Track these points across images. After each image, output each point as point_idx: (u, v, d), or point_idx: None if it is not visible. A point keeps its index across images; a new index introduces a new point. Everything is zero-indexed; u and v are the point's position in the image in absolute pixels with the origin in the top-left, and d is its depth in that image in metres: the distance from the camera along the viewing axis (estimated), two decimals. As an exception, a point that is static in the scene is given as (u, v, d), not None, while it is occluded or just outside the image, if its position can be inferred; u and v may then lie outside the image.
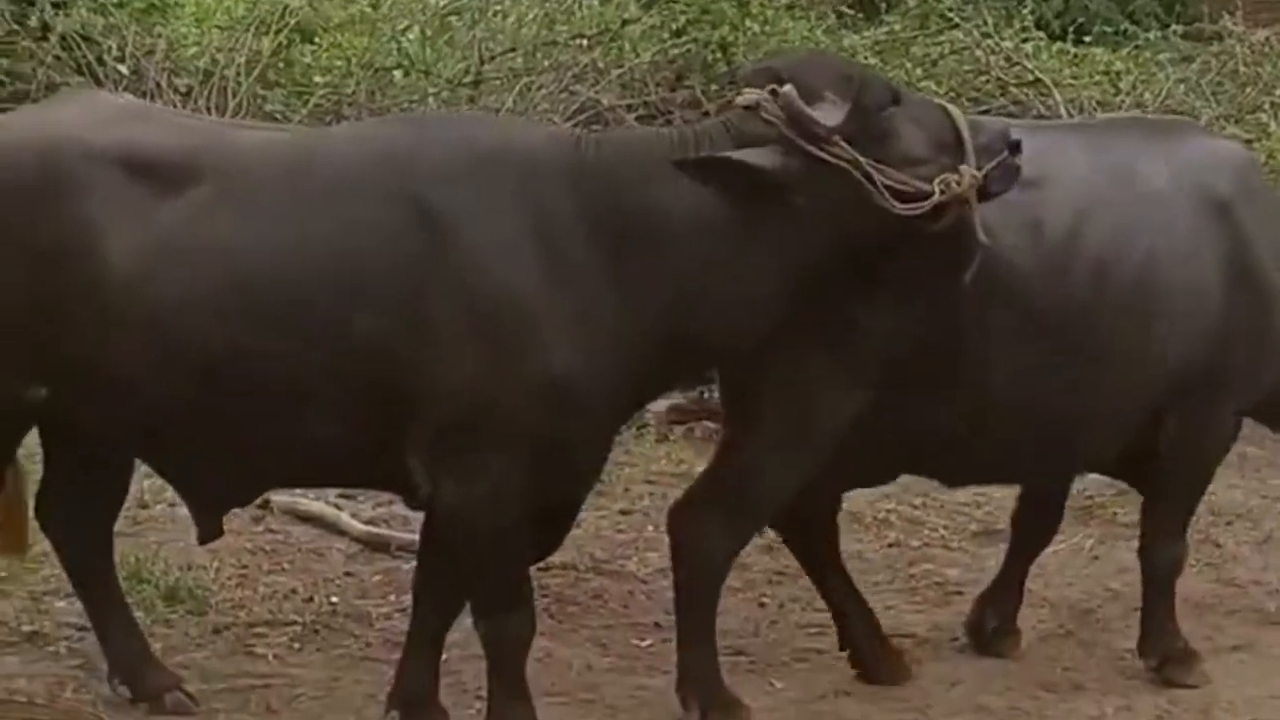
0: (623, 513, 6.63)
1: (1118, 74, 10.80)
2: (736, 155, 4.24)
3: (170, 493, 6.47)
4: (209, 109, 8.62)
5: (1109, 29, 12.70)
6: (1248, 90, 10.77)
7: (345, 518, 6.33)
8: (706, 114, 9.24)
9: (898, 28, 10.82)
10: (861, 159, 4.25)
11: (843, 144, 4.27)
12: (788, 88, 4.24)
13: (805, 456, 4.72)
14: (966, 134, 4.42)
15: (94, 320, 4.31)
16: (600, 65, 9.53)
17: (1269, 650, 5.53)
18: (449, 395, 4.24)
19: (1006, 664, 5.39)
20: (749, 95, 4.32)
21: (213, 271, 4.27)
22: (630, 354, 4.30)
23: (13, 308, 4.37)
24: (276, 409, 4.33)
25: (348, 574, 5.96)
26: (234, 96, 8.70)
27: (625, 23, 9.97)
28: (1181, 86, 10.60)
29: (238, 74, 8.85)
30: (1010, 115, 9.99)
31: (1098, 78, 10.70)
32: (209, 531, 4.70)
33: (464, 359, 4.21)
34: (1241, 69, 10.95)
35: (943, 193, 4.32)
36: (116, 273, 4.27)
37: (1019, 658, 5.43)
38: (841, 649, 5.23)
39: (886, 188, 4.27)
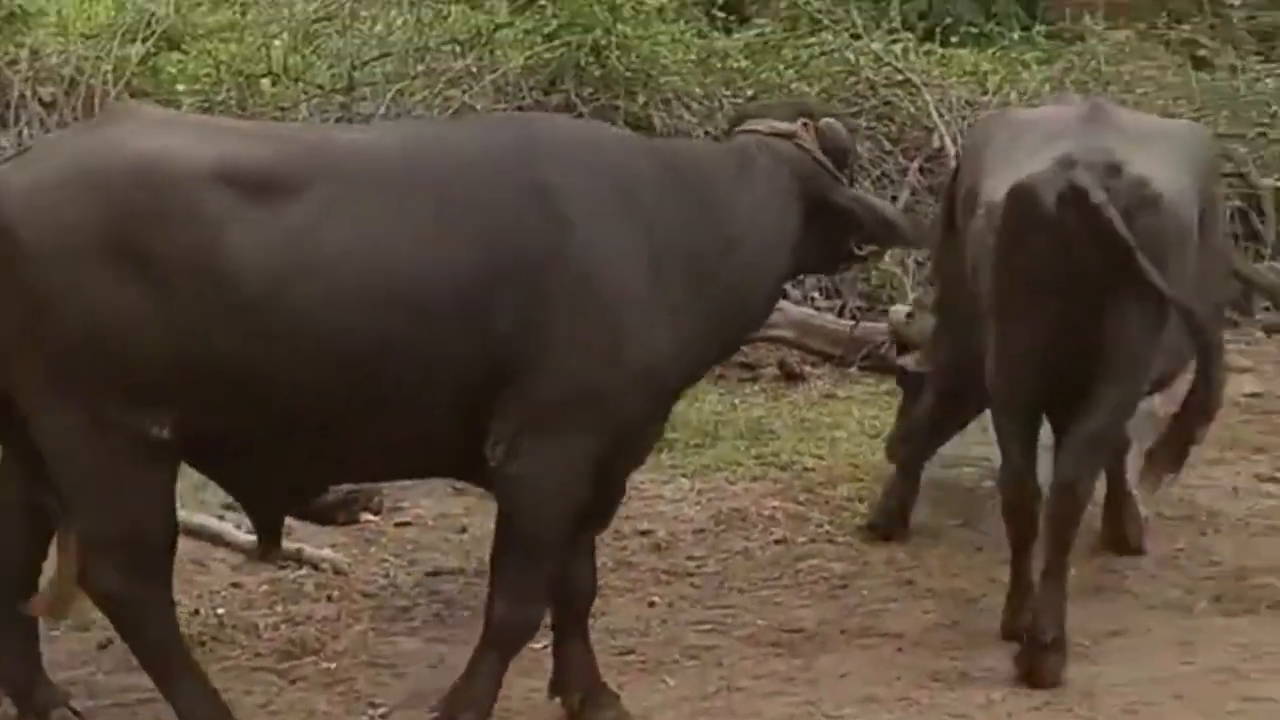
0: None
1: (985, 74, 11.00)
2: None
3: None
4: (75, 118, 8.49)
5: (974, 29, 12.91)
6: (1110, 88, 10.99)
7: (230, 529, 6.24)
8: (580, 117, 9.32)
9: (768, 30, 10.94)
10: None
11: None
12: (831, 121, 4.98)
13: None
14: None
15: (224, 338, 4.24)
16: (474, 70, 9.54)
17: (1146, 634, 5.62)
18: (557, 380, 4.47)
19: (895, 655, 5.46)
20: (783, 125, 4.92)
21: (355, 272, 4.31)
22: (704, 344, 4.76)
23: (132, 337, 4.24)
24: (396, 401, 4.42)
25: (234, 585, 5.88)
26: (101, 106, 8.56)
27: (498, 27, 9.99)
28: (1047, 86, 10.81)
29: (104, 82, 8.72)
30: (880, 116, 10.23)
31: (965, 77, 10.89)
32: (273, 545, 4.76)
33: (578, 346, 4.47)
34: (1104, 68, 11.19)
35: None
36: (251, 288, 4.23)
37: (908, 649, 5.50)
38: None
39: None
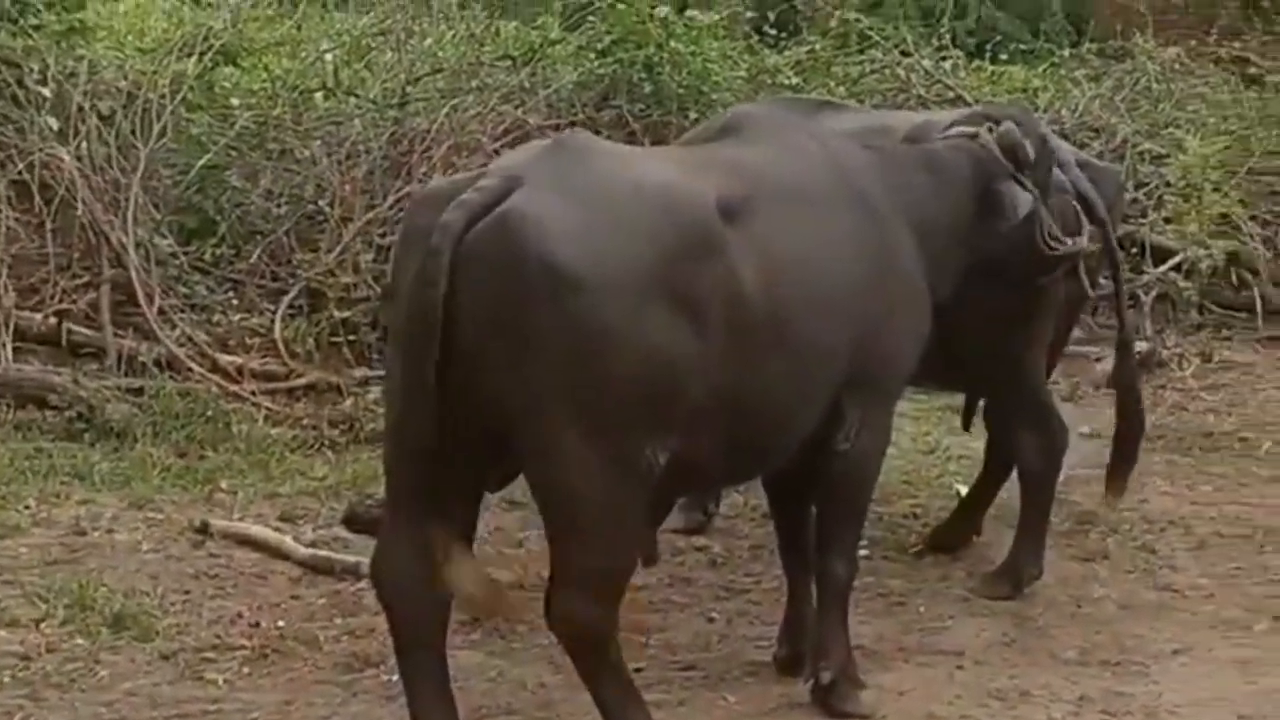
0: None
1: (1035, 90, 10.98)
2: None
3: (107, 519, 6.45)
4: (132, 131, 8.55)
5: (1023, 47, 12.88)
6: (1161, 106, 10.96)
7: (288, 541, 6.28)
8: (633, 134, 9.35)
9: (819, 47, 10.94)
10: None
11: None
12: (1008, 125, 5.40)
13: None
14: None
15: (735, 361, 4.50)
16: (526, 85, 9.56)
17: (1208, 653, 5.61)
18: (890, 360, 5.09)
19: (953, 673, 5.44)
20: (968, 129, 5.44)
21: (812, 282, 4.76)
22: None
23: (674, 372, 4.37)
24: (813, 400, 4.87)
25: (293, 597, 5.89)
26: (158, 120, 8.62)
27: (551, 43, 10.02)
28: (1096, 102, 10.79)
29: (161, 97, 8.78)
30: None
31: (1015, 94, 10.87)
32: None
33: (897, 322, 5.06)
34: (1154, 85, 11.15)
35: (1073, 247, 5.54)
36: (755, 309, 4.56)
37: (967, 667, 5.48)
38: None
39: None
